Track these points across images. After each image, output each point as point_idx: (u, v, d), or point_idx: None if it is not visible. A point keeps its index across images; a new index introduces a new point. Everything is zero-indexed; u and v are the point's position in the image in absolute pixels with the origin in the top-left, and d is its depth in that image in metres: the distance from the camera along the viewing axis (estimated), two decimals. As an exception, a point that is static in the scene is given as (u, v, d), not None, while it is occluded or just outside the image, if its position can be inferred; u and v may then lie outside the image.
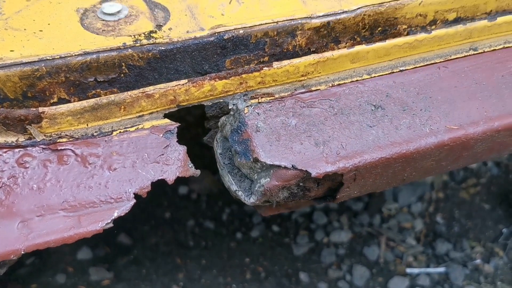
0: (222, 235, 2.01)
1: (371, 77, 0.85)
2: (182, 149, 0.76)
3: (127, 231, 1.98)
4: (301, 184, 0.81)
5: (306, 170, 0.76)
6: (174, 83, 0.77)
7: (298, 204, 0.92)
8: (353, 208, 2.10)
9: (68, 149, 0.72)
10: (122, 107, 0.76)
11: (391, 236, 2.02)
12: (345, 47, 0.86)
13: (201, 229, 2.03)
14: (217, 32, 0.80)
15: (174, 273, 1.90)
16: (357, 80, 0.85)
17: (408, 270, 1.90)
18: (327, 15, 0.83)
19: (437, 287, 1.86)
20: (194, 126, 2.26)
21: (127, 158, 0.74)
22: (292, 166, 0.76)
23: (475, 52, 0.89)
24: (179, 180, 2.09)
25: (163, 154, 0.75)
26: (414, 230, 2.04)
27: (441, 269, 1.90)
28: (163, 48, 0.78)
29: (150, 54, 0.78)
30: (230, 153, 0.86)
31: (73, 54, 0.74)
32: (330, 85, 0.84)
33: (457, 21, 0.90)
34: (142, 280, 1.87)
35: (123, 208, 0.71)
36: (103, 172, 0.72)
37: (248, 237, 2.00)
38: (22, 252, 0.66)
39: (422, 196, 2.15)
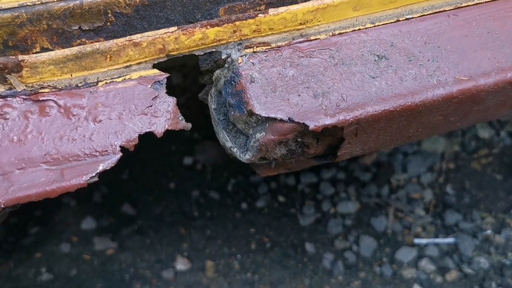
0: (227, 206, 1.99)
1: (375, 26, 0.79)
2: (172, 100, 0.72)
3: (131, 201, 1.97)
4: (299, 139, 0.76)
5: (303, 123, 0.71)
6: (163, 30, 0.73)
7: (298, 164, 0.88)
8: (361, 178, 2.05)
9: (50, 99, 0.68)
10: (108, 56, 0.71)
11: (399, 206, 1.98)
12: (347, -6, 0.80)
13: (206, 200, 2.00)
14: (209, -23, 0.75)
15: (178, 243, 1.88)
16: (359, 29, 0.79)
17: (416, 241, 1.86)
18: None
19: (446, 258, 1.82)
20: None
21: (113, 110, 0.70)
22: (289, 118, 0.72)
23: (488, 0, 0.83)
24: (184, 151, 2.05)
25: (151, 106, 0.71)
26: (423, 200, 2.00)
27: (450, 240, 1.86)
28: (151, -6, 0.73)
29: (138, 1, 0.74)
30: (225, 108, 0.81)
31: (55, 0, 0.70)
32: (331, 34, 0.78)
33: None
34: (146, 250, 1.86)
35: (109, 161, 0.67)
36: (88, 124, 0.68)
37: (254, 207, 1.98)
38: (2, 206, 0.62)
39: (432, 167, 2.10)
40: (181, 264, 1.82)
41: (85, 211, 1.94)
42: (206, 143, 2.12)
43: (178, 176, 2.06)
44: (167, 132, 0.71)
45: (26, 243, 1.84)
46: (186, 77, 2.22)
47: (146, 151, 2.08)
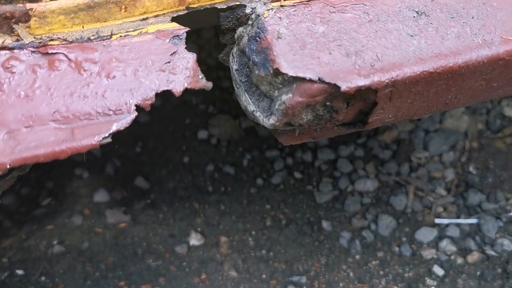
0: (242, 181, 1.94)
1: (414, -20, 0.72)
2: (192, 56, 0.66)
3: (144, 175, 1.93)
4: (328, 103, 0.70)
5: (335, 84, 0.65)
6: (183, -21, 0.67)
7: (324, 132, 0.82)
8: (380, 156, 1.99)
9: (60, 53, 0.62)
10: (123, 6, 0.65)
11: (419, 185, 1.91)
12: None
13: (220, 174, 1.95)
14: None
15: (192, 218, 1.84)
16: (397, -17, 0.72)
17: (437, 221, 1.80)
18: None
19: (468, 239, 1.76)
20: (215, 69, 2.15)
21: (129, 65, 0.64)
22: (319, 78, 0.65)
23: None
24: (198, 124, 2.00)
25: (169, 62, 0.65)
26: (445, 180, 1.93)
27: (472, 220, 1.79)
28: None
29: None
30: (247, 69, 0.75)
31: None
32: (365, -12, 0.71)
33: None
34: (159, 224, 1.83)
35: (123, 121, 0.61)
36: (101, 80, 0.63)
37: (269, 183, 1.92)
38: (8, 167, 0.58)
39: (454, 145, 2.02)
40: (195, 240, 1.78)
41: (98, 184, 1.91)
42: (221, 116, 2.06)
43: (192, 150, 2.01)
44: (186, 91, 0.65)
45: (38, 215, 1.81)
46: (202, 50, 2.16)
47: (159, 124, 2.03)
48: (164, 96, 0.66)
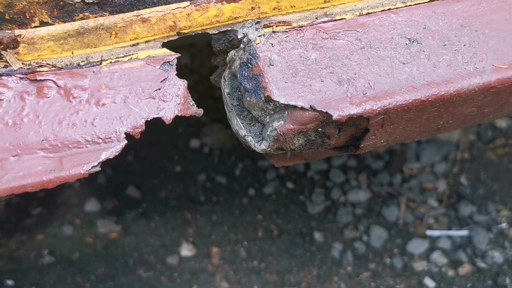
0: (234, 191, 1.93)
1: (406, 6, 0.72)
2: (182, 83, 0.65)
3: (136, 184, 1.92)
4: (320, 129, 0.70)
5: (326, 112, 0.65)
6: (174, 5, 0.66)
7: (316, 154, 0.81)
8: (372, 166, 1.99)
9: (49, 79, 0.62)
10: (113, 32, 0.65)
11: (411, 196, 1.92)
12: (376, -30, 0.73)
13: (212, 184, 1.95)
14: None
15: (183, 228, 1.84)
16: (389, 9, 0.72)
17: (429, 232, 1.81)
18: None
19: (459, 251, 1.76)
20: (208, 79, 2.15)
21: (118, 92, 0.63)
22: (310, 106, 0.65)
23: (531, -20, 0.75)
24: (190, 133, 1.99)
25: (160, 89, 0.64)
26: (437, 191, 1.93)
27: (463, 232, 1.80)
28: (162, -36, 0.66)
29: (147, -28, 0.66)
30: (239, 93, 0.75)
31: (55, -31, 0.63)
32: (358, 14, 0.71)
33: None
34: (151, 234, 1.82)
35: (112, 149, 0.61)
36: (90, 108, 0.62)
37: (261, 193, 1.92)
38: (-5, 196, 0.57)
39: (446, 156, 2.03)
40: (186, 250, 1.77)
41: (89, 193, 1.90)
42: (213, 125, 2.06)
43: (185, 159, 2.00)
44: (177, 118, 0.64)
45: (28, 224, 1.80)
46: (195, 58, 2.15)
47: (152, 133, 2.02)
48: (154, 122, 0.65)
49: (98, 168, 0.60)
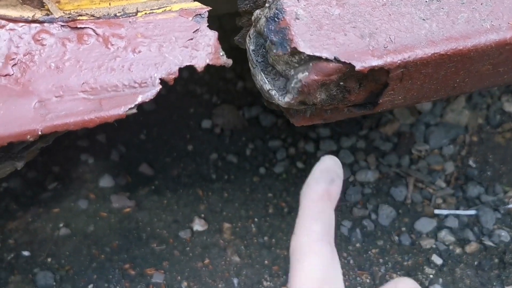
0: (245, 170, 1.97)
1: (426, -33, 0.75)
2: (213, 34, 0.69)
3: (149, 161, 1.95)
4: (341, 83, 0.73)
5: (350, 63, 0.68)
6: (206, -40, 0.69)
7: (335, 114, 0.85)
8: (381, 148, 2.02)
9: (88, 27, 0.65)
10: (148, -15, 0.68)
11: (420, 177, 1.95)
12: None
13: (224, 163, 1.98)
14: None
15: (195, 205, 1.87)
16: (410, -31, 0.75)
17: (437, 211, 1.84)
18: None
19: (466, 230, 1.80)
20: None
21: (153, 41, 0.67)
22: (335, 58, 0.68)
23: None
24: (202, 114, 2.02)
25: (192, 39, 0.68)
26: (445, 172, 1.97)
27: (471, 212, 1.83)
28: None
29: None
30: (263, 50, 0.78)
31: None
32: (380, -27, 0.74)
33: None
34: (163, 210, 1.86)
35: (148, 93, 0.64)
36: (127, 55, 0.65)
37: (272, 172, 1.96)
38: (39, 133, 0.60)
39: (455, 139, 2.06)
40: (198, 225, 1.81)
41: (103, 169, 1.94)
42: (225, 107, 2.09)
43: (196, 139, 2.04)
44: (208, 66, 0.68)
45: (44, 198, 1.84)
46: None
47: (164, 113, 2.06)
48: (186, 71, 0.69)
49: (135, 110, 0.63)
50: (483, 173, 1.96)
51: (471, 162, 1.99)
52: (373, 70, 0.69)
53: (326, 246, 0.57)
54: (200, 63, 0.66)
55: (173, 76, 0.65)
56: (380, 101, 0.77)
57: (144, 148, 2.00)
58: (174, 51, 0.66)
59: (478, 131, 2.08)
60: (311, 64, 0.70)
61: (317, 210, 0.61)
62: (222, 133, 2.06)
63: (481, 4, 0.73)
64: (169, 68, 0.66)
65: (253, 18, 0.79)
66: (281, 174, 1.96)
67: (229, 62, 0.70)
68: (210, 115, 2.08)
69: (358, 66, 0.67)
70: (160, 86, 0.64)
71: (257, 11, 0.78)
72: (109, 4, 0.67)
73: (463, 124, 2.08)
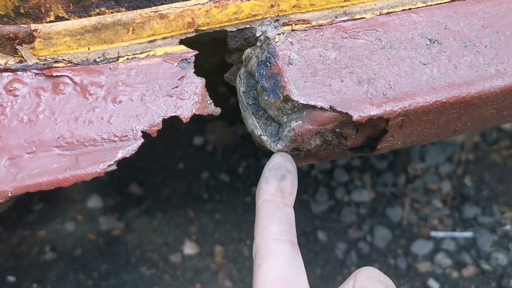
0: (238, 189, 1.92)
1: (427, 6, 0.71)
2: (200, 81, 0.64)
3: (139, 181, 1.90)
4: (337, 130, 0.69)
5: (346, 113, 0.64)
6: (193, 1, 0.65)
7: (330, 154, 0.80)
8: (376, 166, 1.98)
9: (65, 75, 0.60)
10: (131, 28, 0.63)
11: (416, 197, 1.91)
12: (396, -31, 0.72)
13: (216, 182, 1.94)
14: None
15: (186, 226, 1.83)
16: (409, 9, 0.71)
17: (433, 233, 1.80)
18: None
19: (463, 253, 1.76)
20: (211, 75, 2.13)
21: (135, 90, 0.62)
22: (330, 107, 0.64)
23: (553, -19, 0.74)
24: (194, 130, 1.98)
25: (177, 87, 0.63)
26: (441, 192, 1.93)
27: (468, 234, 1.80)
28: (180, -41, 0.65)
29: (164, -33, 0.65)
30: (255, 91, 0.74)
31: (73, -38, 0.62)
32: (378, 13, 0.70)
33: None
34: (154, 232, 1.81)
35: (129, 148, 0.60)
36: (107, 105, 0.61)
37: (265, 192, 1.91)
38: (10, 195, 0.55)
39: (451, 157, 2.02)
40: (189, 248, 1.77)
41: (91, 189, 1.88)
42: (217, 123, 2.04)
43: (188, 157, 1.99)
44: (194, 116, 0.63)
45: (30, 220, 1.79)
46: (198, 54, 2.13)
47: (155, 130, 2.00)
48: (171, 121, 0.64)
49: (115, 167, 0.58)
50: (480, 193, 1.92)
51: (467, 181, 1.96)
52: (371, 119, 0.65)
53: (285, 245, 0.54)
54: (185, 114, 0.61)
55: (157, 128, 0.60)
56: (379, 146, 0.73)
57: (134, 166, 1.94)
58: (157, 100, 0.61)
59: (474, 149, 2.05)
60: (305, 112, 0.65)
61: (271, 210, 0.57)
62: (214, 151, 2.02)
63: (485, 47, 0.69)
64: (152, 120, 0.61)
65: (243, 57, 0.75)
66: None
67: (217, 110, 0.65)
68: (202, 131, 2.04)
69: (356, 116, 0.63)
70: (143, 140, 0.60)
71: (248, 50, 0.74)
72: (88, 48, 0.62)
73: (459, 142, 2.04)
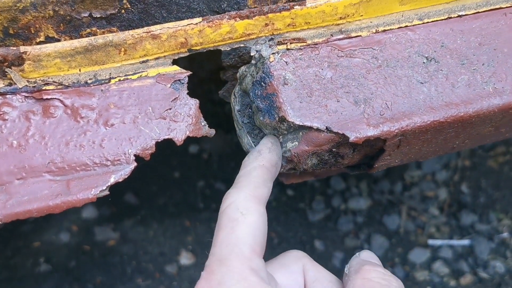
0: (234, 198, 1.91)
1: (423, 23, 0.70)
2: (194, 103, 0.63)
3: (134, 190, 1.89)
4: (334, 149, 0.68)
5: (343, 134, 0.63)
6: (186, 21, 0.63)
7: (327, 171, 0.79)
8: (373, 174, 1.97)
9: (55, 98, 0.59)
10: (122, 49, 0.62)
11: (412, 205, 1.90)
12: (393, -15, 0.71)
13: (211, 191, 1.92)
14: (239, -39, 0.65)
15: (182, 236, 1.81)
16: (406, 26, 0.70)
17: (430, 242, 1.79)
18: None
19: (460, 261, 1.75)
20: (207, 82, 2.12)
21: (128, 112, 0.61)
22: (326, 128, 0.63)
23: (550, -3, 0.73)
24: (190, 139, 1.97)
25: (170, 109, 0.62)
26: (438, 199, 1.92)
27: (465, 242, 1.79)
28: (173, -22, 0.64)
29: (157, -14, 0.64)
30: (250, 110, 0.72)
31: (63, -18, 0.61)
32: (374, 31, 0.69)
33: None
34: (149, 242, 1.79)
35: (121, 172, 0.58)
36: (98, 128, 0.59)
37: (261, 200, 1.90)
38: (0, 223, 0.54)
39: (447, 164, 2.01)
40: (185, 259, 1.75)
41: (86, 199, 1.87)
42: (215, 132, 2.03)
43: (183, 165, 1.97)
44: (188, 139, 0.62)
45: (25, 231, 1.77)
46: (193, 61, 2.12)
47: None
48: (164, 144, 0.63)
49: (107, 192, 0.57)
50: (476, 200, 1.92)
51: (464, 188, 1.95)
52: (368, 139, 0.64)
53: (264, 209, 0.58)
54: (179, 136, 0.60)
55: (150, 152, 0.59)
56: (376, 165, 0.72)
57: (129, 176, 1.93)
58: (150, 123, 0.60)
59: (471, 156, 2.04)
60: (301, 133, 0.64)
61: (263, 175, 0.59)
62: (210, 159, 2.00)
63: (483, 64, 0.68)
64: (145, 143, 0.60)
65: (238, 75, 0.73)
66: (271, 202, 1.90)
67: (212, 132, 0.64)
68: (197, 139, 2.02)
69: (352, 137, 0.62)
70: (135, 164, 0.58)
71: (243, 68, 0.72)
72: (79, 70, 0.61)
73: (456, 149, 2.04)
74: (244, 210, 0.56)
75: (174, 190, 1.91)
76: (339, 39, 0.68)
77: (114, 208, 1.85)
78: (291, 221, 1.87)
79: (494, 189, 1.96)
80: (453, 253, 1.77)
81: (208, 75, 2.11)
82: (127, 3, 0.64)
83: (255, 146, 0.72)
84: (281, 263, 0.63)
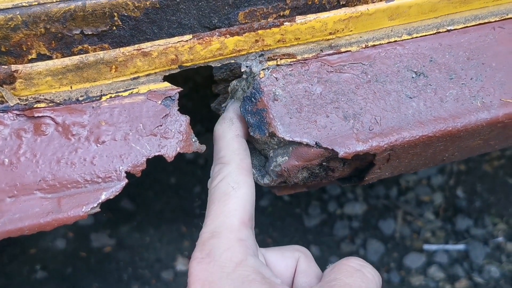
0: (230, 204, 1.91)
1: (412, 38, 0.71)
2: (185, 119, 0.64)
3: (131, 196, 1.89)
4: (324, 163, 0.68)
5: (332, 149, 0.63)
6: (176, 39, 0.64)
7: (319, 184, 0.80)
8: (369, 178, 1.98)
9: (47, 116, 0.59)
10: (113, 66, 0.63)
11: (408, 209, 1.91)
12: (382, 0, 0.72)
13: (207, 196, 1.92)
14: (229, -22, 0.66)
15: (179, 242, 1.82)
16: (395, 41, 0.70)
17: (426, 246, 1.80)
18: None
19: (456, 265, 1.76)
20: (203, 87, 2.12)
21: (119, 129, 0.61)
22: (316, 143, 0.63)
23: (538, 10, 0.74)
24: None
25: (161, 125, 0.62)
26: (433, 204, 1.93)
27: (460, 246, 1.79)
28: (163, -5, 0.64)
29: (148, 3, 0.64)
30: (241, 124, 0.73)
31: (54, 0, 0.61)
32: (363, 46, 0.70)
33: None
34: (146, 248, 1.79)
35: (113, 189, 0.59)
36: (89, 146, 0.60)
37: (257, 206, 1.90)
38: (-10, 240, 0.54)
39: (442, 169, 2.02)
40: (182, 265, 1.75)
41: (82, 206, 1.87)
42: (209, 136, 2.03)
43: (180, 171, 1.98)
44: (179, 155, 0.63)
45: (21, 238, 1.77)
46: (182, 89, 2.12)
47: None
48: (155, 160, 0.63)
49: (98, 209, 0.58)
50: (472, 204, 1.93)
51: (459, 192, 1.96)
52: (358, 154, 0.65)
53: (250, 178, 0.61)
54: (170, 153, 0.61)
55: (141, 168, 0.60)
56: (366, 178, 0.72)
57: (121, 192, 1.93)
58: (141, 140, 0.61)
59: (466, 160, 2.05)
60: (291, 148, 0.65)
61: (245, 145, 0.63)
62: (206, 164, 2.01)
63: (471, 79, 0.68)
64: (136, 160, 0.60)
65: (229, 89, 0.74)
66: (267, 207, 1.91)
67: (202, 148, 0.64)
68: (193, 145, 2.03)
69: (342, 152, 0.62)
70: (127, 180, 0.59)
71: (234, 82, 0.73)
72: (71, 87, 0.62)
73: (451, 153, 2.05)
74: (234, 184, 0.59)
75: (171, 196, 1.92)
76: (329, 54, 0.68)
77: (110, 214, 1.86)
78: (287, 227, 1.87)
79: (489, 193, 1.96)
80: (448, 258, 1.77)
81: (204, 80, 2.12)
82: (118, 20, 0.64)
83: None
84: (281, 248, 0.67)
